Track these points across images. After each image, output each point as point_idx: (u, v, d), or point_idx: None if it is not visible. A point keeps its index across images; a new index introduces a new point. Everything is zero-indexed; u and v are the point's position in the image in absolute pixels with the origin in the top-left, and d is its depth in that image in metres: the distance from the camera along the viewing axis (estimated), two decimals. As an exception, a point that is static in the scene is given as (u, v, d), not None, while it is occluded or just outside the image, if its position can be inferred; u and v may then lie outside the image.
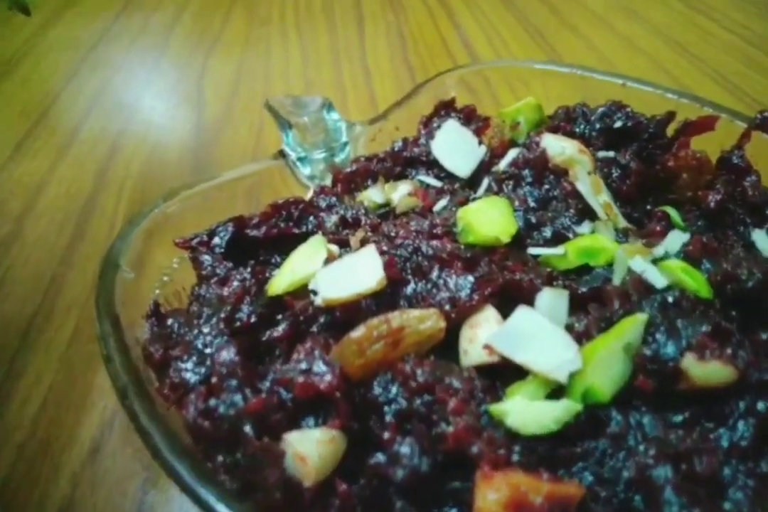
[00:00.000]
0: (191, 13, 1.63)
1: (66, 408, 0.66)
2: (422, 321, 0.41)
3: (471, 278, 0.44)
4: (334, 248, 0.49)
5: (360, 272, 0.44)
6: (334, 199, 0.56)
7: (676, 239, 0.46)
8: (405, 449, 0.36)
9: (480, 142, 0.60)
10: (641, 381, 0.38)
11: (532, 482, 0.34)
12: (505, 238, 0.47)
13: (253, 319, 0.47)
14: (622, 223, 0.51)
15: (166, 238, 0.56)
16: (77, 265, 0.84)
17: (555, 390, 0.39)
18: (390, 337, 0.41)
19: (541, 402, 0.38)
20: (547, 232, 0.52)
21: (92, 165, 1.05)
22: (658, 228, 0.48)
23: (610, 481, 0.36)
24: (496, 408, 0.37)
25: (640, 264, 0.43)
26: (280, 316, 0.47)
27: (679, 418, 0.38)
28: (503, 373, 0.41)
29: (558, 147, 0.56)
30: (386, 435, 0.37)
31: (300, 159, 0.65)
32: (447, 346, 0.44)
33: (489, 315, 0.43)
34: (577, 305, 0.45)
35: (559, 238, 0.51)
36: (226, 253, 0.55)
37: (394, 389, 0.40)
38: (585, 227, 0.51)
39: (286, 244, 0.55)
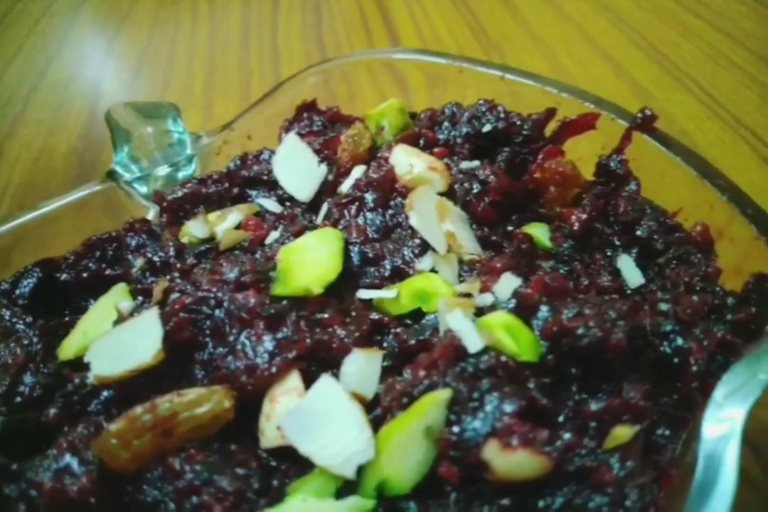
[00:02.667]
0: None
1: None
2: (199, 404, 0.35)
3: (271, 341, 0.38)
4: (126, 306, 0.42)
5: (137, 342, 0.38)
6: (143, 237, 0.49)
7: (507, 283, 0.39)
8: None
9: (323, 160, 0.53)
10: (445, 470, 0.33)
11: None
12: (317, 289, 0.40)
13: (36, 393, 0.40)
14: (468, 255, 0.45)
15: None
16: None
17: (350, 483, 0.34)
18: (159, 427, 0.35)
19: (324, 502, 0.32)
20: (387, 268, 0.45)
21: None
22: (498, 265, 0.42)
23: None
24: (269, 514, 0.32)
25: (457, 321, 0.36)
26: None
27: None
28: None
29: (406, 165, 0.49)
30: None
31: (139, 177, 0.58)
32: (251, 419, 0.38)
33: (292, 385, 0.37)
34: (404, 359, 0.39)
35: (399, 275, 0.45)
36: (35, 302, 0.48)
37: (165, 488, 0.34)
38: (426, 262, 0.45)
39: (103, 286, 0.48)
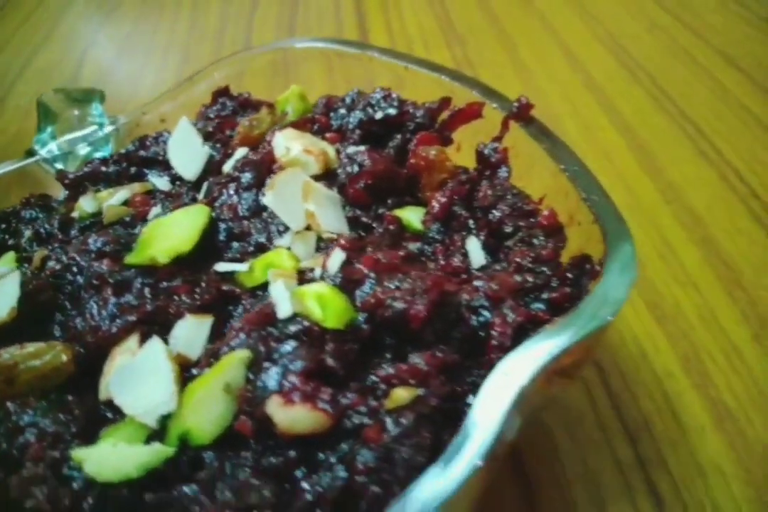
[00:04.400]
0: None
1: None
2: (38, 356, 0.39)
3: (114, 305, 0.42)
4: (1, 271, 0.46)
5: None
6: (35, 210, 0.53)
7: (336, 258, 0.42)
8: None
9: (218, 142, 0.56)
10: (240, 423, 0.36)
11: (71, 538, 0.32)
12: (163, 259, 0.44)
13: None
14: (327, 234, 0.48)
15: None
16: None
17: (158, 433, 0.37)
18: (1, 375, 0.38)
19: (128, 446, 0.36)
20: (251, 244, 0.49)
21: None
22: (342, 241, 0.45)
23: (191, 531, 0.35)
24: (77, 453, 0.36)
25: (275, 289, 0.40)
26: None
27: (274, 462, 0.36)
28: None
29: (283, 147, 0.52)
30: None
31: (63, 155, 0.62)
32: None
33: (129, 346, 0.41)
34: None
35: (261, 251, 0.48)
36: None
37: (1, 428, 0.38)
38: (285, 239, 0.48)
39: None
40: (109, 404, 0.40)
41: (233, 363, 0.37)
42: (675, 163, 0.85)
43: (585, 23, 1.15)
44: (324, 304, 0.39)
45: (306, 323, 0.38)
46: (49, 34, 1.37)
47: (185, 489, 0.35)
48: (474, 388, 0.40)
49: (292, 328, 0.38)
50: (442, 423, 0.37)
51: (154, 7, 1.40)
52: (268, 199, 0.47)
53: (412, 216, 0.52)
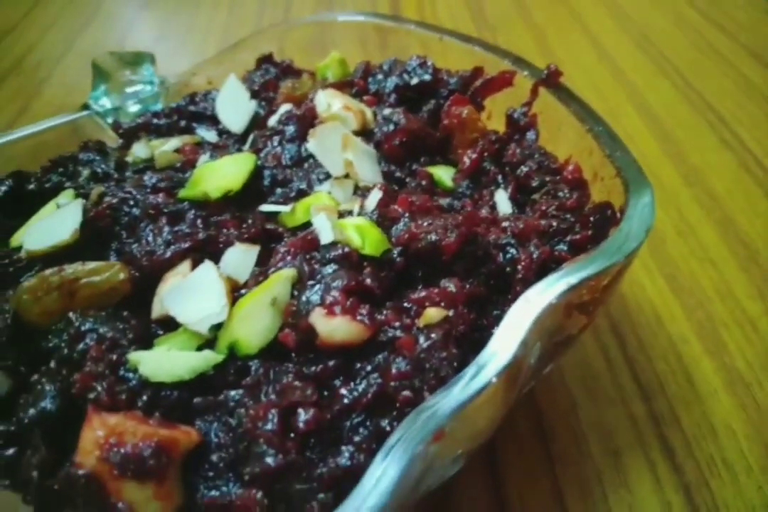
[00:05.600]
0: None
1: None
2: (98, 273, 0.43)
3: (169, 233, 0.45)
4: (63, 202, 0.49)
5: (61, 225, 0.45)
6: (92, 153, 0.57)
7: (374, 197, 0.45)
8: (41, 390, 0.38)
9: (263, 100, 0.60)
10: (284, 335, 0.39)
11: (130, 425, 0.35)
12: (215, 194, 0.47)
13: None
14: (364, 180, 0.51)
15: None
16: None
17: (208, 343, 0.40)
18: (64, 287, 0.42)
19: (181, 352, 0.39)
20: (293, 190, 0.52)
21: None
22: (379, 186, 0.48)
23: (234, 430, 0.38)
24: (133, 356, 0.39)
25: (319, 220, 0.43)
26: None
27: (314, 370, 0.39)
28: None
29: (325, 104, 0.55)
30: (34, 377, 0.39)
31: (114, 109, 0.65)
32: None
33: (183, 269, 0.44)
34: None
35: (302, 196, 0.52)
36: (4, 207, 0.56)
37: (63, 336, 0.41)
38: (325, 186, 0.51)
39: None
40: (161, 322, 0.43)
41: (280, 280, 0.40)
42: (697, 149, 0.87)
43: (613, 16, 1.18)
44: (363, 234, 0.42)
45: (346, 249, 0.41)
46: (90, 18, 1.42)
47: (231, 393, 0.39)
48: (497, 321, 0.42)
49: (333, 253, 0.41)
50: (467, 348, 0.40)
51: None
52: (310, 144, 0.50)
53: (443, 173, 0.55)
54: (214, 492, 0.36)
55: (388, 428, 0.37)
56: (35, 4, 1.49)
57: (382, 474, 0.32)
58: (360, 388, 0.37)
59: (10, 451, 0.39)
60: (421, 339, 0.38)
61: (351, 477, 0.34)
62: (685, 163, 0.86)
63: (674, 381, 0.60)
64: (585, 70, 1.04)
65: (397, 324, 0.38)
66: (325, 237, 0.42)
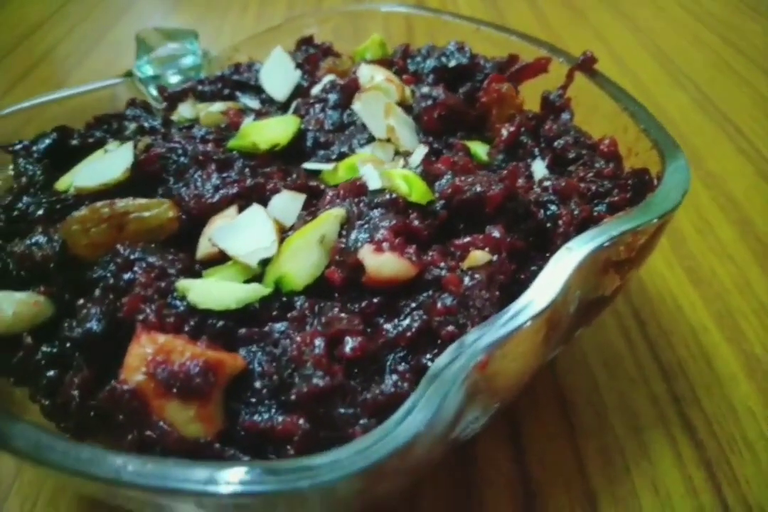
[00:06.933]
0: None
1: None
2: (148, 208, 0.44)
3: (217, 179, 0.46)
4: (111, 147, 0.51)
5: (112, 164, 0.46)
6: (139, 110, 0.58)
7: (419, 153, 0.47)
8: (87, 313, 0.39)
9: (305, 73, 0.62)
10: (330, 271, 0.40)
11: (178, 344, 0.36)
12: (264, 145, 0.48)
13: (31, 209, 0.49)
14: (405, 146, 0.52)
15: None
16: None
17: (257, 277, 0.41)
18: (113, 220, 0.43)
19: (230, 283, 0.40)
20: (334, 152, 0.53)
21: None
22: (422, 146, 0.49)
23: (278, 359, 0.38)
24: (182, 283, 0.39)
25: (366, 169, 0.44)
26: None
27: (359, 307, 0.39)
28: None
29: (368, 75, 0.57)
30: (80, 301, 0.40)
31: (155, 77, 0.67)
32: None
33: (229, 213, 0.45)
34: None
35: (344, 158, 0.53)
36: (48, 160, 0.57)
37: (109, 267, 0.42)
38: (367, 149, 0.52)
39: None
40: (205, 263, 0.44)
41: (329, 218, 0.41)
42: (714, 156, 0.90)
43: (634, 35, 1.21)
44: (409, 183, 0.43)
45: (393, 195, 0.42)
46: (124, 13, 1.46)
47: (276, 325, 0.39)
48: (534, 277, 0.43)
49: (381, 198, 0.42)
50: (505, 299, 0.41)
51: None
52: (356, 106, 0.52)
53: (478, 148, 0.57)
54: (256, 417, 0.36)
55: (429, 364, 0.37)
56: (66, 1, 1.53)
57: (427, 399, 0.32)
58: (404, 324, 0.38)
59: (51, 373, 0.39)
60: (466, 280, 0.39)
61: (394, 404, 0.35)
62: (702, 168, 0.88)
63: (694, 365, 0.60)
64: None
65: (442, 264, 0.39)
66: (373, 183, 0.43)
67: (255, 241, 0.41)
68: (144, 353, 0.35)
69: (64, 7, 1.48)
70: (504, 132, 0.54)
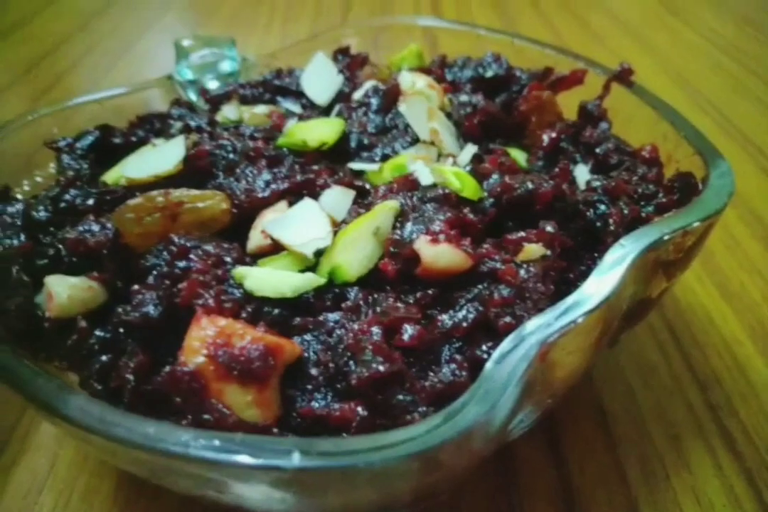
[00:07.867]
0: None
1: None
2: (202, 199, 0.44)
3: (268, 174, 0.47)
4: (159, 141, 0.51)
5: (163, 157, 0.47)
6: (184, 109, 0.59)
7: (467, 153, 0.48)
8: (142, 299, 0.39)
9: (343, 73, 0.63)
10: (384, 263, 0.40)
11: (239, 327, 0.36)
12: (313, 143, 0.49)
13: (78, 201, 0.50)
14: (447, 149, 0.53)
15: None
16: None
17: (310, 268, 0.41)
18: (167, 210, 0.43)
19: (286, 272, 0.40)
20: (378, 154, 0.54)
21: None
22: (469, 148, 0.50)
23: (333, 348, 0.38)
24: (238, 270, 0.40)
25: (418, 166, 0.45)
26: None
27: (410, 299, 0.39)
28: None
29: (410, 81, 0.58)
30: (135, 287, 0.40)
31: (191, 82, 0.68)
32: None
33: (280, 208, 0.46)
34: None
35: (387, 159, 0.54)
36: (90, 157, 0.58)
37: (163, 255, 0.42)
38: (411, 150, 0.53)
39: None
40: (256, 256, 0.44)
41: (384, 210, 0.41)
42: (738, 176, 0.89)
43: (656, 63, 1.23)
44: (460, 179, 0.44)
45: (446, 190, 0.43)
46: (149, 27, 1.49)
47: (330, 315, 0.39)
48: (583, 276, 0.43)
49: (433, 193, 0.43)
50: (556, 296, 0.41)
51: (250, 14, 1.53)
52: (402, 108, 0.53)
53: (518, 155, 0.58)
54: (313, 404, 0.36)
55: (485, 356, 0.37)
56: (93, 15, 1.56)
57: (486, 388, 0.32)
58: (460, 315, 0.38)
59: (104, 357, 0.39)
60: (522, 272, 0.39)
61: (451, 393, 0.34)
62: (727, 187, 0.88)
63: (729, 376, 0.60)
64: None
65: (496, 257, 0.40)
66: (425, 179, 0.43)
67: (310, 232, 0.41)
68: (205, 335, 0.35)
69: (89, 23, 1.51)
70: (545, 137, 0.55)
